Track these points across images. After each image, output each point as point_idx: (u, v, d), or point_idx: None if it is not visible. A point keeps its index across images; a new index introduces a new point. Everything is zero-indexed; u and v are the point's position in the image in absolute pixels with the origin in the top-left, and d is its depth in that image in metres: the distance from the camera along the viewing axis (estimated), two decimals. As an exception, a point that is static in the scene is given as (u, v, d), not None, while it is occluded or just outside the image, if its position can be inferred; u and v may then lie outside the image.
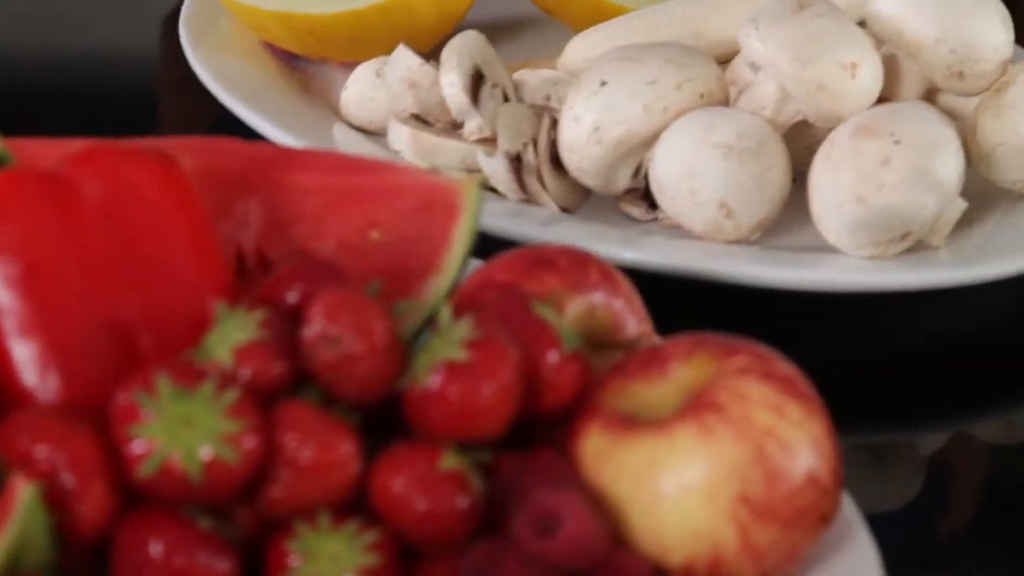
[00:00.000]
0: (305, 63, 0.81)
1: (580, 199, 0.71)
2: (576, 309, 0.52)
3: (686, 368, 0.48)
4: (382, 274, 0.53)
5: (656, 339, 0.56)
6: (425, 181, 0.55)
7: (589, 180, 0.69)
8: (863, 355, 0.68)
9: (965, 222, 0.70)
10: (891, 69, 0.70)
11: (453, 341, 0.46)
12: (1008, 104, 0.68)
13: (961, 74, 0.68)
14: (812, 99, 0.66)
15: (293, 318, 0.47)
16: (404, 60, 0.72)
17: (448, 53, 0.70)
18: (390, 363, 0.46)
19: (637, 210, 0.70)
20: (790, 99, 0.67)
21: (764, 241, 0.68)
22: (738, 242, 0.67)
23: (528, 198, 0.70)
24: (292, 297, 0.48)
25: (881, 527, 0.60)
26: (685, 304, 0.68)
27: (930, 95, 0.71)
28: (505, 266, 0.53)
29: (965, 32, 0.67)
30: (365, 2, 0.77)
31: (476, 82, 0.70)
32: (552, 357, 0.48)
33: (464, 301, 0.51)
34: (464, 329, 0.47)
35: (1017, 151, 0.68)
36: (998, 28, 0.68)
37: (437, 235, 0.54)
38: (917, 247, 0.66)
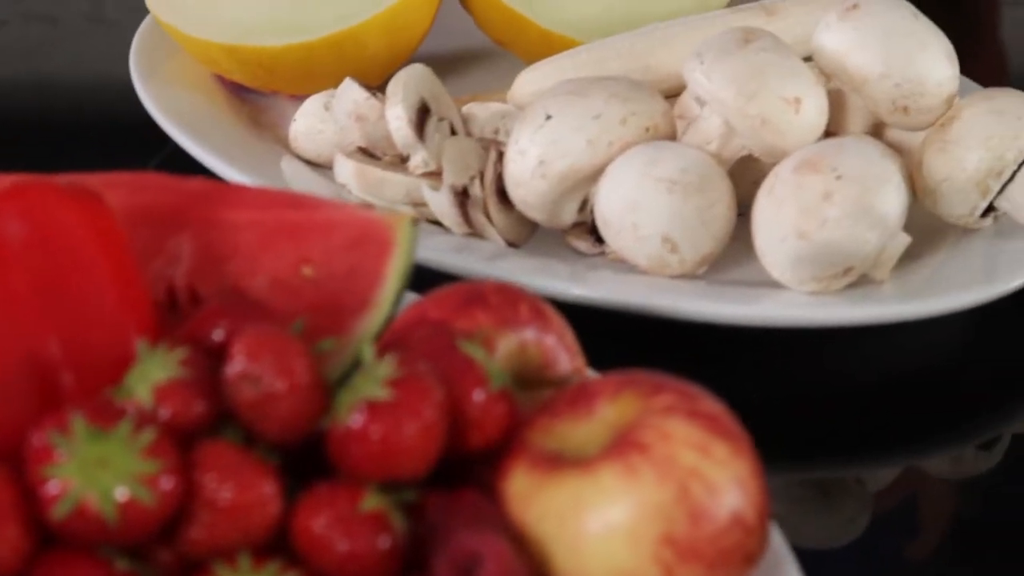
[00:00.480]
0: (256, 96, 0.81)
1: (527, 233, 0.71)
2: (507, 346, 0.51)
3: (613, 406, 0.48)
4: (315, 310, 0.53)
5: (590, 375, 0.56)
6: (359, 217, 0.55)
7: (535, 214, 0.69)
8: (810, 390, 0.68)
9: (912, 257, 0.69)
10: (838, 103, 0.70)
11: (376, 379, 0.46)
12: (952, 139, 0.67)
13: (906, 109, 0.68)
14: (756, 133, 0.66)
15: (217, 356, 0.47)
16: (351, 93, 0.72)
17: (394, 87, 0.70)
18: (312, 402, 0.46)
19: (584, 244, 0.70)
20: (735, 133, 0.67)
21: (711, 276, 0.68)
22: (683, 277, 0.67)
23: (474, 232, 0.70)
24: (217, 335, 0.48)
25: (825, 563, 0.59)
26: (633, 337, 0.68)
27: (877, 129, 0.71)
28: (437, 303, 0.52)
29: (909, 67, 0.67)
30: (314, 35, 0.76)
31: (422, 116, 0.70)
32: (478, 396, 0.48)
33: (395, 338, 0.51)
34: (387, 367, 0.46)
35: (962, 186, 0.67)
36: (943, 63, 0.68)
37: (370, 271, 0.54)
38: (862, 282, 0.66)
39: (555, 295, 0.65)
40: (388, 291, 0.53)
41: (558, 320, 0.53)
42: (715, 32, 0.69)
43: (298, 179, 0.73)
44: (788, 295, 0.65)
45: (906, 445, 0.66)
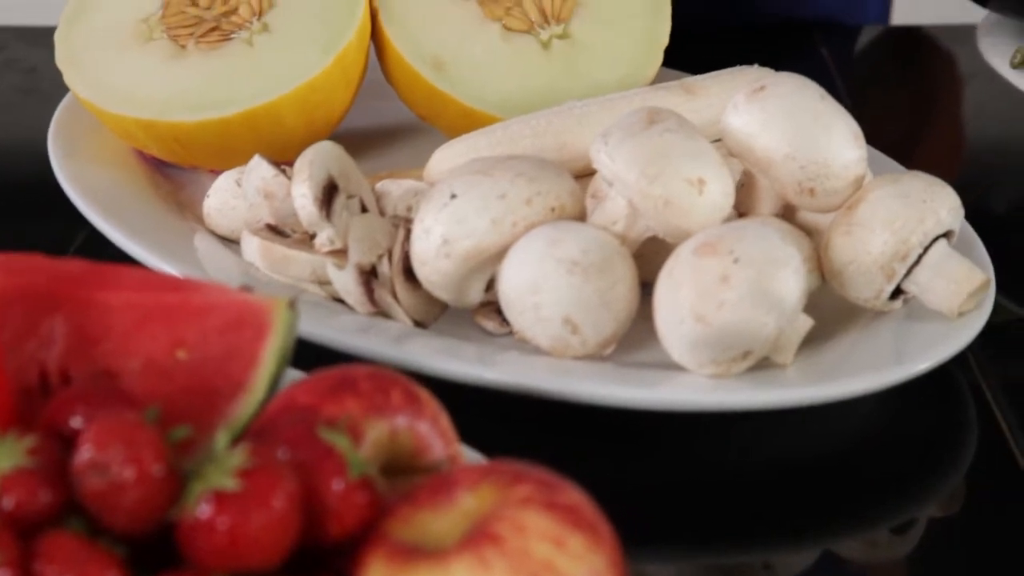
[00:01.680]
0: (177, 171, 0.81)
1: (436, 312, 0.70)
2: (377, 433, 0.51)
3: (473, 497, 0.47)
4: (188, 394, 0.52)
5: (470, 460, 0.55)
6: (235, 300, 0.54)
7: (441, 293, 0.68)
8: (717, 473, 0.67)
9: (823, 339, 0.69)
10: (749, 184, 0.70)
11: (225, 469, 0.45)
12: (857, 222, 0.67)
13: (812, 191, 0.67)
14: (660, 215, 0.65)
15: (71, 444, 0.46)
16: (259, 170, 0.71)
17: (300, 164, 0.69)
18: (161, 492, 0.45)
19: (491, 324, 0.69)
20: (640, 214, 0.66)
21: (619, 357, 0.67)
22: (587, 358, 0.66)
23: (379, 312, 0.69)
24: (75, 422, 0.47)
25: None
26: (542, 417, 0.67)
27: (789, 210, 0.71)
28: (307, 388, 0.52)
29: (814, 149, 0.66)
30: (230, 111, 0.76)
31: (329, 193, 0.69)
32: (337, 485, 0.47)
33: (262, 424, 0.50)
34: (238, 457, 0.46)
35: (867, 269, 0.67)
36: (849, 145, 0.67)
37: (246, 354, 0.53)
38: (766, 364, 0.65)
39: (456, 378, 0.64)
40: (263, 374, 0.53)
41: (433, 405, 0.52)
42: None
43: (210, 256, 0.73)
44: (690, 378, 0.65)
45: (816, 529, 0.65)
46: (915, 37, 1.13)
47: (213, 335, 0.53)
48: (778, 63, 0.81)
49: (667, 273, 0.64)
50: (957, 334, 0.68)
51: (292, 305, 0.54)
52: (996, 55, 0.89)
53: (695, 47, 0.94)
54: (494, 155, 0.71)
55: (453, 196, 0.67)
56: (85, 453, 0.45)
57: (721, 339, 0.62)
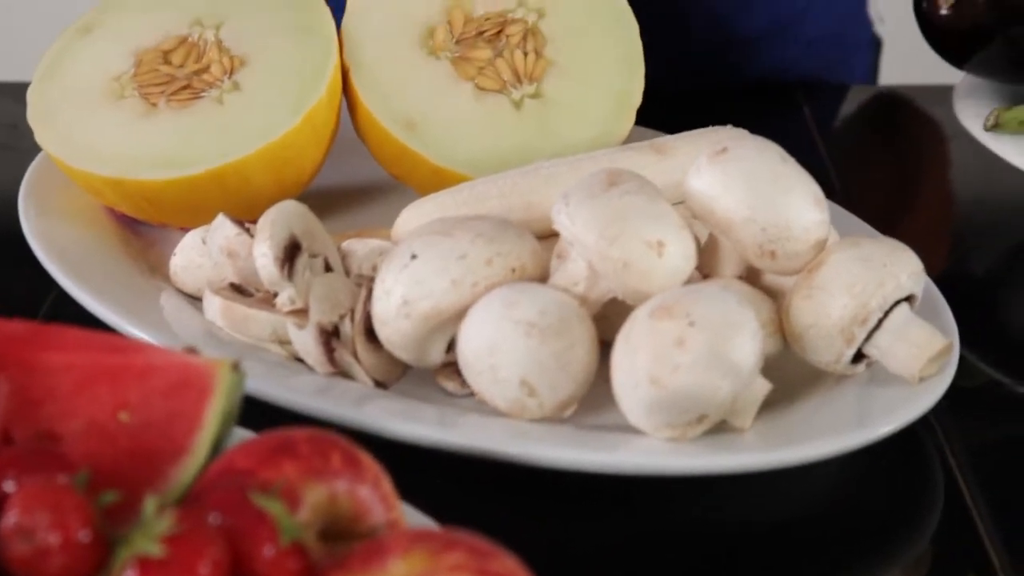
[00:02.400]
0: (148, 228, 0.81)
1: (397, 373, 0.70)
2: (315, 497, 0.50)
3: (404, 563, 0.47)
4: (131, 456, 0.52)
5: (415, 523, 0.55)
6: (179, 362, 0.54)
7: (401, 353, 0.68)
8: (678, 539, 0.66)
9: (786, 402, 0.68)
10: (713, 246, 0.70)
11: (151, 535, 0.45)
12: (818, 285, 0.66)
13: (773, 253, 0.67)
14: (619, 277, 0.65)
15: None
16: (223, 229, 0.71)
17: (262, 223, 0.69)
18: (88, 558, 0.45)
19: (452, 385, 0.69)
20: (600, 276, 0.66)
21: (580, 419, 0.67)
22: (545, 420, 0.66)
23: (339, 372, 0.69)
24: (7, 486, 0.47)
25: None
26: (502, 476, 0.67)
27: (754, 272, 0.70)
28: (247, 452, 0.51)
29: (774, 212, 0.66)
30: (197, 169, 0.76)
31: (291, 252, 0.69)
32: (268, 551, 0.47)
33: (201, 488, 0.50)
34: (165, 522, 0.45)
35: (827, 333, 0.66)
36: (809, 208, 0.67)
37: (189, 416, 0.53)
38: (726, 428, 0.65)
39: (415, 440, 0.64)
40: (206, 437, 0.53)
41: (374, 469, 0.52)
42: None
43: (175, 315, 0.73)
44: (647, 442, 0.64)
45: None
46: (896, 98, 1.13)
47: (156, 397, 0.53)
48: (759, 122, 0.81)
49: (624, 336, 0.64)
50: (919, 398, 0.68)
51: (236, 367, 0.54)
52: (971, 117, 0.89)
53: (678, 107, 0.94)
54: (450, 216, 0.71)
55: (413, 256, 0.66)
56: (11, 518, 0.45)
57: (676, 403, 0.62)
